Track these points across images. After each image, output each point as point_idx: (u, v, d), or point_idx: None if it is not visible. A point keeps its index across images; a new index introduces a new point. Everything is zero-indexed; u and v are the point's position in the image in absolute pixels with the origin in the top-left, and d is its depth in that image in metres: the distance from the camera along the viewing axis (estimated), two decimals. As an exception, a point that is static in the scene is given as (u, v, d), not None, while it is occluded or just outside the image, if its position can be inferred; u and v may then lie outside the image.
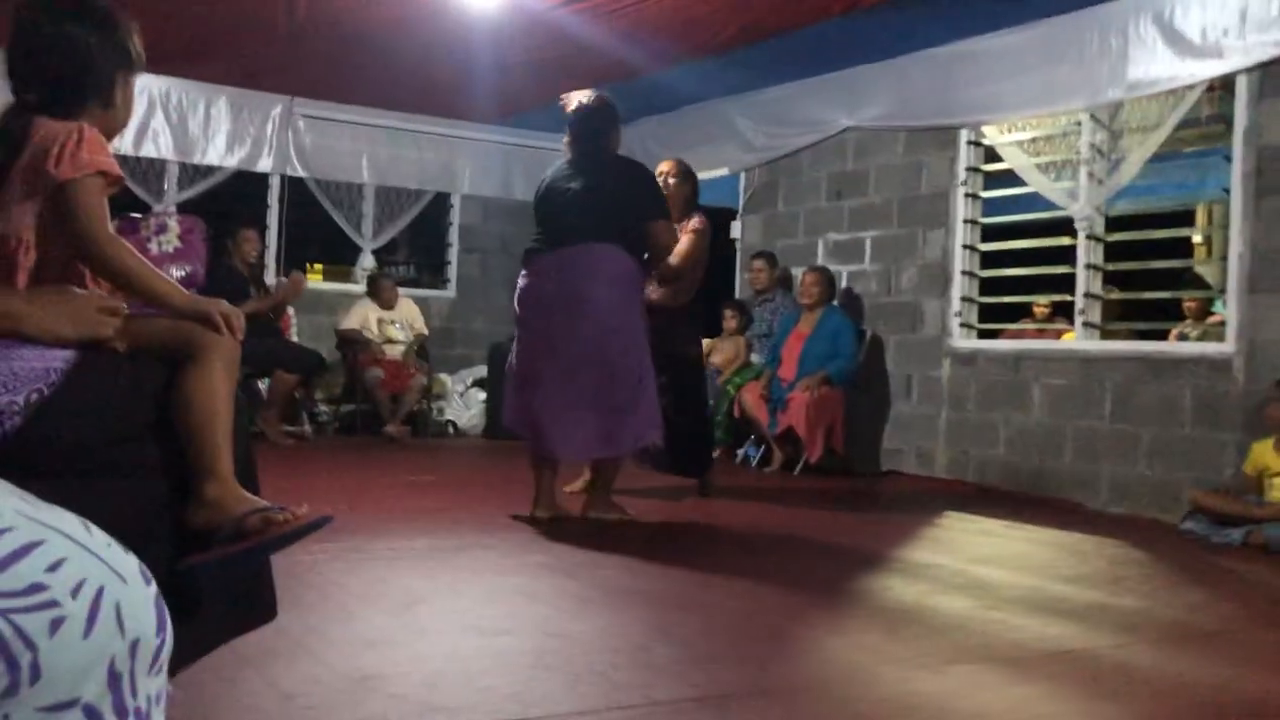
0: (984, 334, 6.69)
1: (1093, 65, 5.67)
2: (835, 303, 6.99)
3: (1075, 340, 6.06)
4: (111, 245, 1.80)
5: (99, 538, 0.90)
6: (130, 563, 0.90)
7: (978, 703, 2.29)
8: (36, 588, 0.82)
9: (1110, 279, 6.22)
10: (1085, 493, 5.73)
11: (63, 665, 0.81)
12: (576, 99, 4.54)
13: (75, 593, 0.83)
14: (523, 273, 4.55)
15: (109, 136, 1.91)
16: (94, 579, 0.85)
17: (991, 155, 6.57)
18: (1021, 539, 4.70)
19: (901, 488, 6.42)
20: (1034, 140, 6.22)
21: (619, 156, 4.60)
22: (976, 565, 3.94)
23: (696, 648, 2.64)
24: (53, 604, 0.81)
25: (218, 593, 1.84)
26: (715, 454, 7.27)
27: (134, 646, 0.86)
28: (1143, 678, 2.56)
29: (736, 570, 3.71)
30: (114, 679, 0.85)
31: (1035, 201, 6.44)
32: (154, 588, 0.91)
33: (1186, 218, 8.14)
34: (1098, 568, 4.02)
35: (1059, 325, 7.32)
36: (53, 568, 0.83)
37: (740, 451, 7.22)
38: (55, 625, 0.81)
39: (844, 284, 7.28)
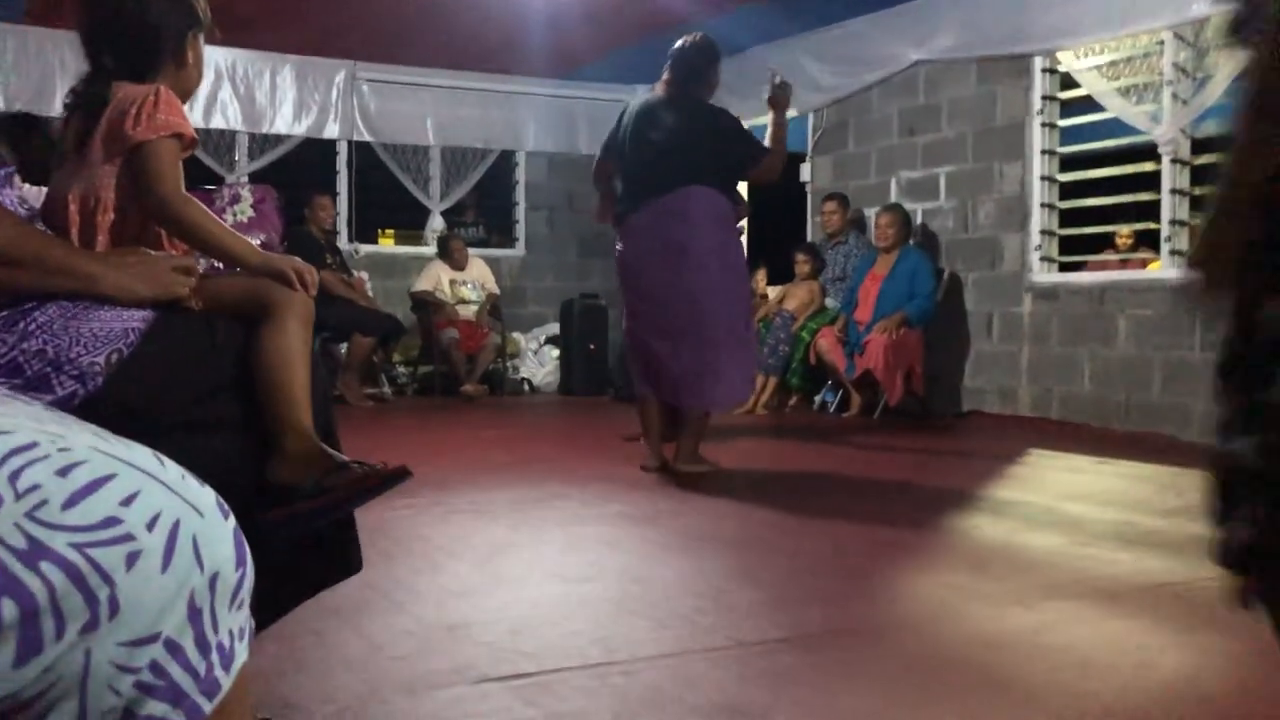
0: (1065, 267, 6.51)
1: (1174, -20, 5.44)
2: (912, 242, 6.85)
3: (1162, 269, 5.86)
4: (186, 205, 1.82)
5: (173, 470, 0.89)
6: (206, 496, 0.89)
7: (1072, 636, 2.24)
8: (111, 521, 0.81)
9: (1198, 204, 5.99)
10: (1177, 425, 5.57)
11: (141, 599, 0.81)
12: (680, 41, 4.44)
13: (151, 526, 0.82)
14: (619, 237, 4.49)
15: (184, 97, 1.94)
16: (170, 512, 0.84)
17: (1068, 82, 6.35)
18: (1111, 474, 4.59)
19: (984, 427, 6.31)
20: (1113, 63, 5.99)
21: (704, 103, 4.44)
22: (1065, 502, 3.85)
23: (780, 590, 2.62)
24: (128, 537, 0.81)
25: (304, 546, 1.85)
26: (792, 400, 7.27)
27: (213, 580, 0.85)
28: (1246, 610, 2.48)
29: (818, 513, 3.67)
30: (194, 613, 0.84)
31: (1116, 127, 6.22)
32: (232, 521, 0.90)
33: (1278, 137, 7.82)
34: (1194, 500, 3.89)
35: (1143, 254, 7.10)
36: (127, 501, 0.82)
37: (818, 398, 7.15)
38: (131, 559, 0.80)
39: (919, 222, 7.13)
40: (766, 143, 4.46)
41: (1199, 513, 3.55)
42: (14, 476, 0.78)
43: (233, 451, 1.76)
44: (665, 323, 4.32)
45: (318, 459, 1.76)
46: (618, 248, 4.52)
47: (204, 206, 1.85)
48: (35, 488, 0.79)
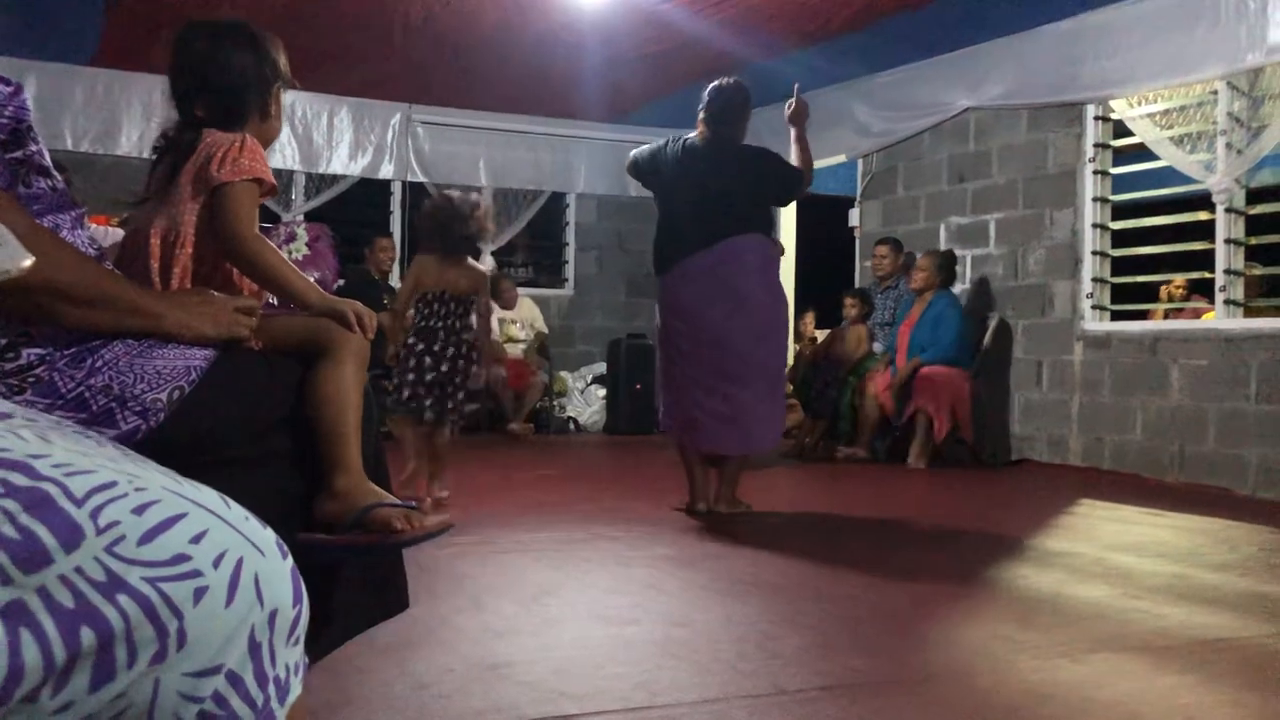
0: (1117, 315, 6.45)
1: (1229, 29, 5.41)
2: (953, 287, 6.82)
3: (1216, 319, 5.79)
4: (256, 244, 1.90)
5: (237, 511, 0.93)
6: (268, 536, 0.94)
7: (1120, 692, 2.21)
8: (181, 558, 0.86)
9: (1253, 254, 5.92)
10: (1231, 478, 5.47)
11: (207, 632, 0.85)
12: (714, 83, 4.54)
13: (217, 563, 0.87)
14: (664, 278, 4.53)
15: (266, 145, 2.06)
16: (234, 550, 0.89)
17: (1121, 130, 6.32)
18: (1163, 526, 4.52)
19: (1033, 475, 6.24)
20: (1166, 112, 5.96)
21: (747, 145, 4.56)
22: (1115, 553, 3.80)
23: (824, 637, 2.61)
24: (196, 574, 0.85)
25: (351, 583, 1.89)
26: (839, 446, 7.23)
27: (272, 617, 0.89)
28: (1300, 667, 2.43)
29: (864, 560, 3.65)
30: (254, 647, 0.88)
31: (1169, 176, 6.18)
32: (290, 561, 0.94)
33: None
34: (1248, 555, 3.84)
35: (1196, 304, 7.01)
36: (195, 539, 0.87)
37: (844, 448, 7.10)
38: (199, 594, 0.85)
39: (968, 268, 7.11)
40: (794, 160, 4.57)
41: (1252, 568, 3.50)
42: (95, 513, 0.83)
43: (285, 487, 1.82)
44: (715, 368, 4.37)
45: (364, 496, 1.80)
46: (664, 292, 4.56)
47: (273, 246, 1.93)
48: (114, 524, 0.84)
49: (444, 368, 4.54)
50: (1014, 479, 6.16)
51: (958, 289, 7.19)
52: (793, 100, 4.68)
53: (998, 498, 5.51)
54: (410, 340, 4.63)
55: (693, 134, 4.57)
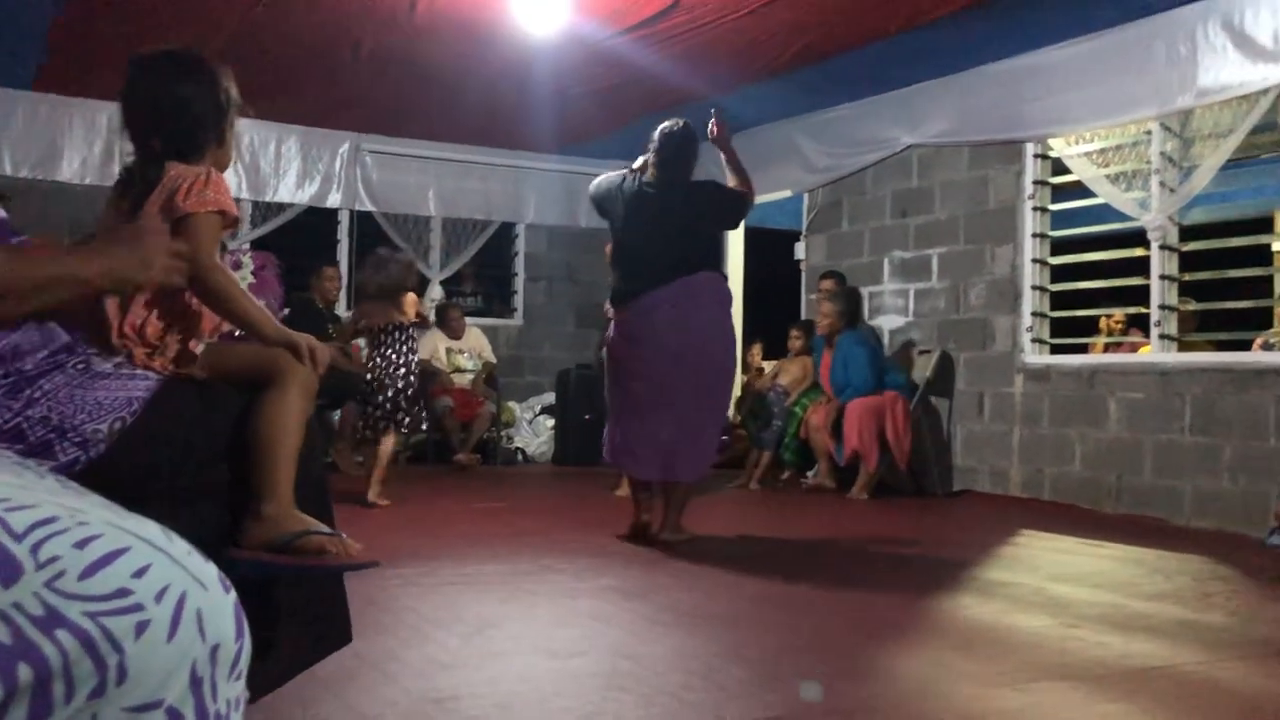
0: (1056, 349, 6.58)
1: (1161, 73, 5.57)
2: (858, 326, 6.90)
3: (1152, 353, 5.93)
4: (216, 272, 1.92)
5: (180, 546, 0.93)
6: (210, 570, 0.94)
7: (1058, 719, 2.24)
8: (123, 592, 0.85)
9: (1187, 290, 6.08)
10: (1167, 508, 5.59)
11: (147, 667, 0.85)
12: (663, 125, 4.66)
13: (159, 597, 0.87)
14: (619, 311, 4.64)
15: (221, 170, 2.08)
16: (176, 585, 0.88)
17: (1059, 168, 6.48)
18: (1101, 556, 4.60)
19: (975, 506, 6.32)
20: (1102, 151, 6.12)
21: (694, 182, 4.70)
22: (1054, 583, 3.86)
23: (769, 667, 2.62)
24: (138, 608, 0.85)
25: (293, 618, 1.88)
26: (785, 475, 7.28)
27: (214, 651, 0.89)
28: (1232, 694, 2.49)
29: (808, 590, 3.68)
30: (196, 682, 0.88)
31: (1106, 213, 6.34)
32: (233, 595, 0.94)
33: (1265, 225, 7.94)
34: (1182, 584, 3.92)
35: (1134, 338, 7.17)
36: (138, 573, 0.87)
37: (810, 473, 7.16)
38: (140, 628, 0.85)
39: (911, 301, 7.22)
40: (731, 183, 4.74)
41: (1186, 597, 3.57)
42: (35, 548, 0.83)
43: (224, 518, 1.82)
44: (668, 399, 4.48)
45: (293, 524, 1.81)
46: (619, 325, 4.64)
47: (234, 276, 1.94)
48: (55, 559, 0.83)
49: (397, 385, 5.67)
50: (956, 509, 6.23)
51: (901, 322, 7.30)
52: (713, 124, 4.78)
53: (940, 528, 5.58)
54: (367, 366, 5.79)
55: (645, 172, 4.69)
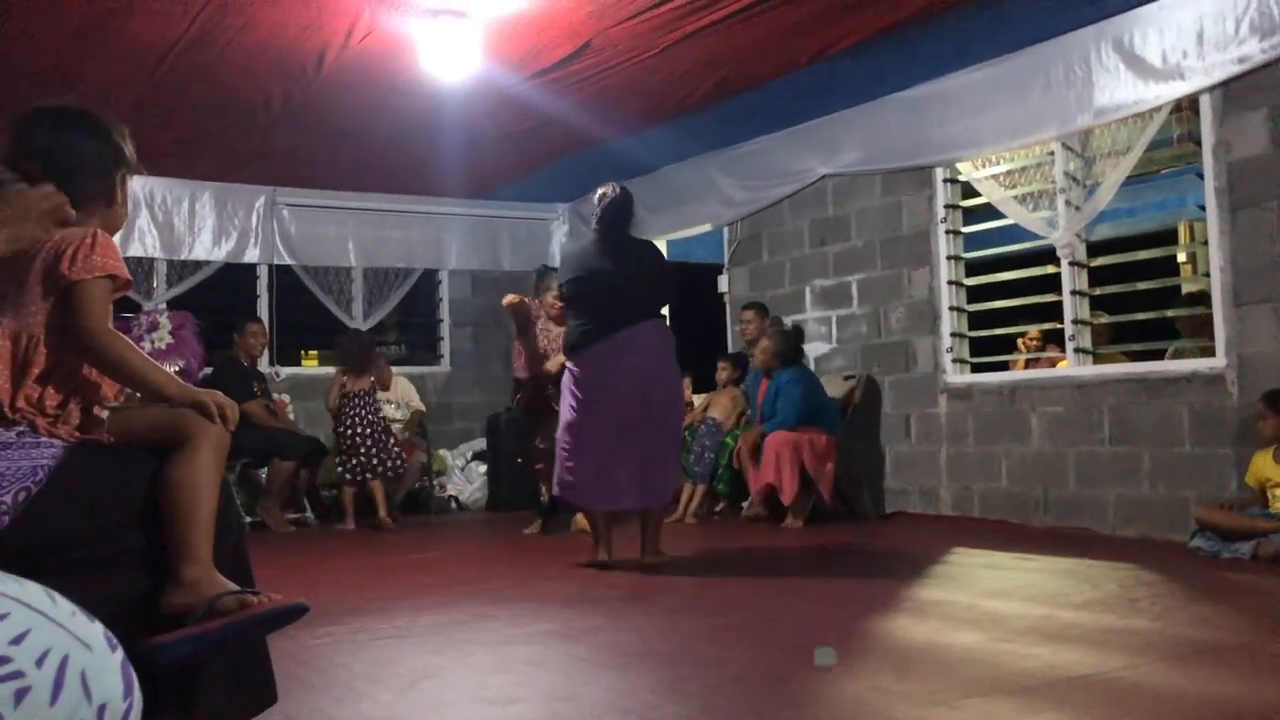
0: (977, 368, 6.71)
1: (1060, 94, 5.76)
2: (803, 362, 6.97)
3: (1068, 367, 6.07)
4: (111, 340, 1.87)
5: (64, 607, 0.91)
6: (95, 630, 0.92)
7: (993, 735, 2.27)
8: (1, 660, 0.83)
9: (1100, 303, 6.25)
10: (1092, 518, 5.71)
11: None
12: (602, 191, 5.16)
13: (40, 662, 0.85)
14: (576, 360, 5.00)
15: (112, 232, 2.01)
16: (59, 648, 0.86)
17: (969, 191, 6.63)
18: (1032, 569, 4.67)
19: (908, 527, 6.39)
20: (1009, 173, 6.29)
21: (638, 240, 5.25)
22: (987, 599, 3.91)
23: (708, 702, 2.62)
24: (17, 674, 0.83)
25: (216, 680, 1.83)
26: (719, 507, 7.30)
27: (101, 711, 0.87)
28: (1157, 697, 2.54)
29: (745, 621, 3.68)
30: None
31: (1016, 233, 6.50)
32: (120, 653, 0.92)
33: (1170, 237, 8.20)
34: (1109, 591, 4.00)
35: (1052, 354, 7.34)
36: (17, 639, 0.85)
37: (744, 504, 7.19)
38: (20, 695, 0.83)
39: (834, 328, 7.32)
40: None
41: (1112, 604, 3.63)
42: None
43: (136, 586, 1.77)
44: (629, 436, 4.88)
45: (212, 586, 1.77)
46: (577, 370, 4.99)
47: (129, 341, 1.89)
48: None
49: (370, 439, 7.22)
50: (889, 531, 6.30)
51: (825, 349, 7.39)
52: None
53: (874, 551, 5.62)
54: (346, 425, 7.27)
55: (578, 238, 5.18)
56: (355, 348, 7.49)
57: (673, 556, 5.04)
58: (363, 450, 7.22)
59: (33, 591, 0.90)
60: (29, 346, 1.84)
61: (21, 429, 1.74)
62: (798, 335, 7.01)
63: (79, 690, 0.86)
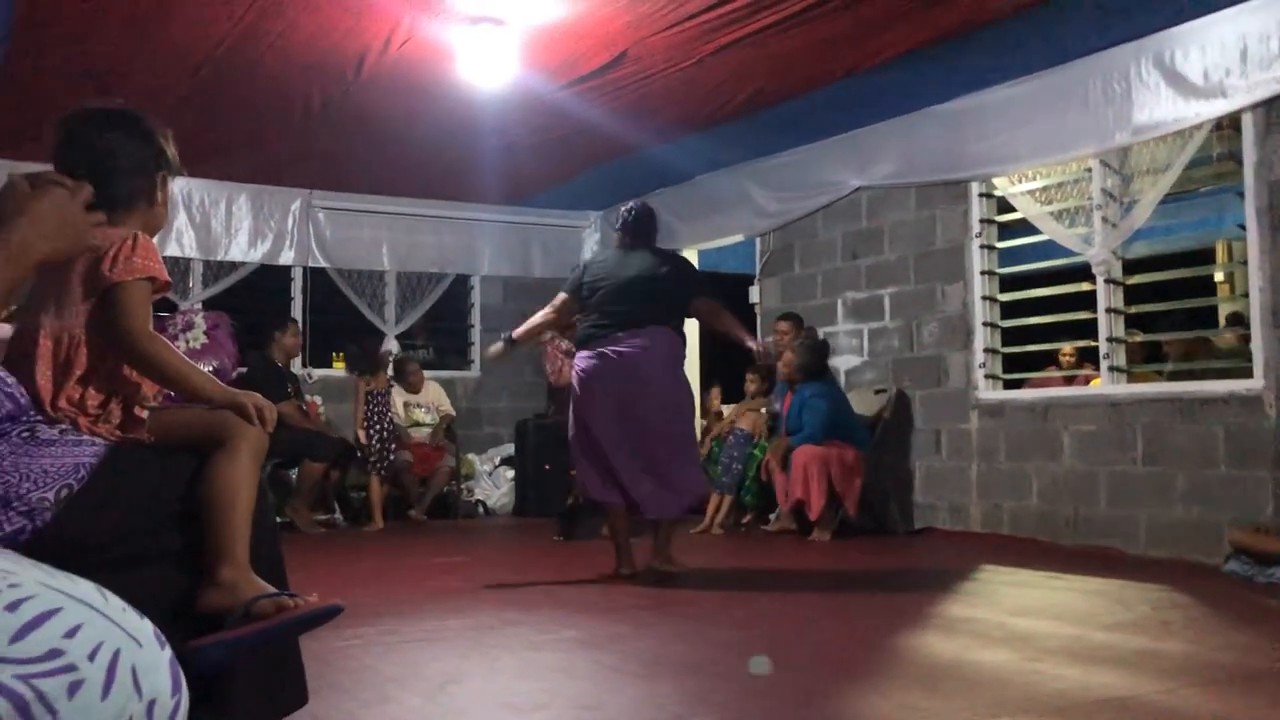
0: (1010, 384, 6.66)
1: (1098, 111, 5.72)
2: (827, 375, 6.93)
3: (1102, 385, 6.02)
4: (151, 342, 1.88)
5: (115, 603, 0.93)
6: (145, 627, 0.93)
7: (1023, 756, 2.25)
8: (55, 653, 0.85)
9: (1135, 322, 6.19)
10: (1123, 539, 5.65)
11: None
12: (626, 206, 5.25)
13: (92, 656, 0.86)
14: (583, 354, 4.98)
15: (153, 233, 2.02)
16: (110, 643, 0.88)
17: (1004, 206, 6.60)
18: (1061, 589, 4.63)
19: (936, 543, 6.35)
20: (1045, 189, 6.24)
21: (660, 249, 5.24)
22: (1016, 617, 3.88)
23: (734, 715, 2.61)
24: (71, 668, 0.85)
25: (248, 680, 1.85)
26: (746, 518, 7.29)
27: (150, 707, 0.89)
28: (1191, 723, 2.51)
29: (772, 634, 3.67)
30: None
31: (1051, 249, 6.46)
32: (169, 651, 0.94)
33: (1207, 256, 8.12)
34: (1141, 614, 3.95)
35: (1086, 371, 7.28)
36: (70, 633, 0.86)
37: (772, 516, 7.17)
38: (74, 688, 0.84)
39: (865, 341, 7.29)
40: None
41: (1145, 626, 3.59)
42: None
43: (175, 584, 1.78)
44: (634, 442, 4.84)
45: (249, 588, 1.78)
46: (582, 365, 4.96)
47: (169, 343, 1.90)
48: None
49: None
50: (917, 547, 6.26)
51: (856, 362, 7.36)
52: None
53: (902, 566, 5.59)
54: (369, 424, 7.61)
55: (605, 248, 5.27)
56: (361, 353, 7.81)
57: (685, 567, 5.01)
58: (378, 446, 7.57)
59: (85, 588, 0.92)
60: (71, 347, 1.86)
61: (64, 427, 1.76)
62: (823, 349, 6.97)
63: (130, 685, 0.87)
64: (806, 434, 6.59)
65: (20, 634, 0.85)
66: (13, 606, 0.86)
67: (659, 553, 4.96)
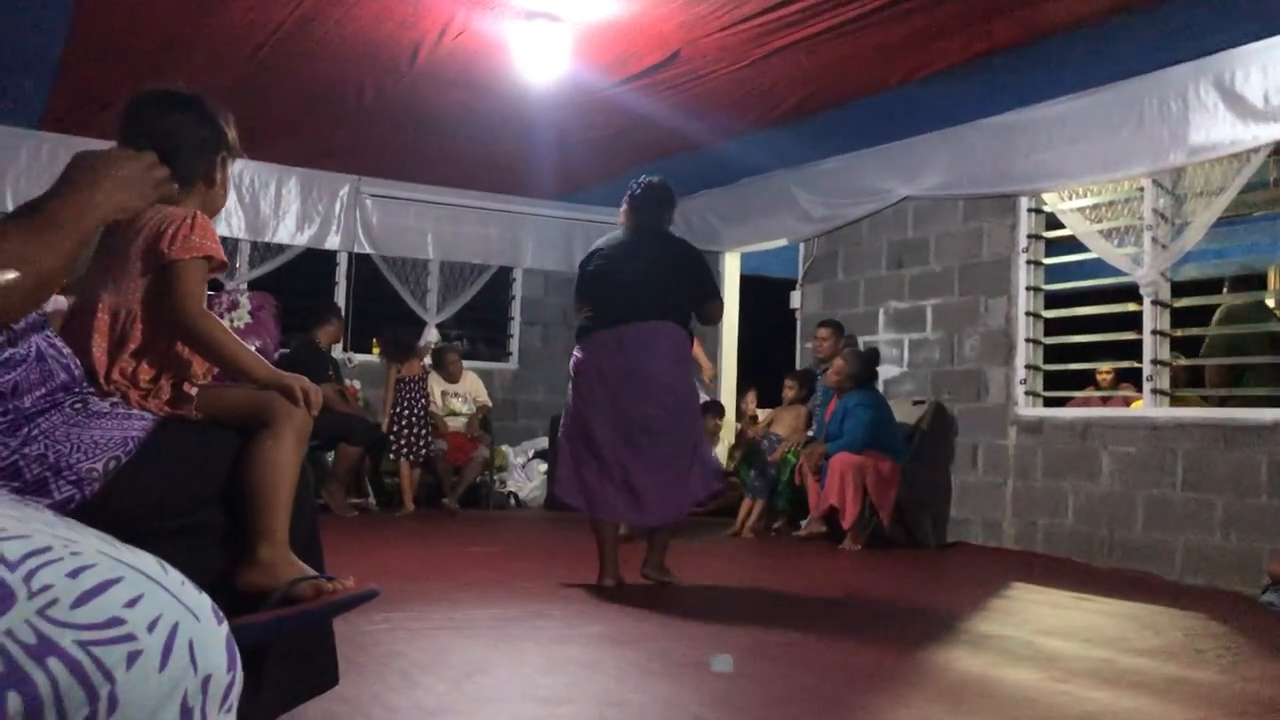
0: (1050, 402, 6.60)
1: (1153, 130, 5.65)
2: (874, 384, 6.89)
3: (1144, 408, 5.95)
4: (204, 319, 1.91)
5: (174, 576, 0.94)
6: (204, 601, 0.94)
7: (1047, 776, 2.23)
8: (115, 621, 0.86)
9: (1178, 345, 6.12)
10: (1159, 563, 5.59)
11: (139, 697, 0.85)
12: (642, 179, 4.81)
13: (151, 627, 0.88)
14: (579, 348, 4.73)
15: (211, 214, 2.07)
16: (169, 615, 0.89)
17: (1053, 222, 6.53)
18: (1092, 610, 4.59)
19: (968, 558, 6.31)
20: (1095, 206, 6.18)
21: (672, 236, 4.85)
22: (1045, 637, 3.85)
23: (754, 718, 2.61)
24: (130, 637, 0.86)
25: (281, 659, 1.88)
26: (778, 524, 7.27)
27: (206, 682, 0.90)
28: (1220, 753, 2.48)
29: (798, 639, 3.67)
30: (186, 712, 0.88)
31: (1099, 267, 6.39)
32: (225, 626, 0.95)
33: (1258, 282, 8.00)
34: (1173, 640, 3.91)
35: (1125, 392, 7.20)
36: (131, 603, 0.88)
37: (803, 522, 7.15)
38: (132, 658, 0.85)
39: (905, 351, 7.25)
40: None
41: (1176, 653, 3.55)
42: (29, 576, 0.84)
43: (214, 558, 1.82)
44: (631, 442, 4.55)
45: (288, 569, 1.81)
46: (578, 357, 4.72)
47: (221, 323, 1.95)
48: (48, 587, 0.84)
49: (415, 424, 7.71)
50: (948, 561, 6.22)
51: (896, 372, 7.32)
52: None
53: (932, 580, 5.56)
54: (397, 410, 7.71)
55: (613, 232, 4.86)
56: (394, 340, 7.93)
57: (678, 579, 4.71)
58: (407, 432, 7.65)
59: (145, 560, 0.94)
60: (127, 322, 1.90)
61: (115, 400, 1.80)
62: (873, 358, 6.92)
63: (186, 659, 0.89)
64: (846, 441, 6.56)
65: (81, 600, 0.86)
66: (74, 573, 0.87)
67: (651, 561, 4.67)
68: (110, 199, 1.47)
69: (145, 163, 1.58)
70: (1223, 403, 5.87)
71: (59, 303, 2.40)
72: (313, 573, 1.81)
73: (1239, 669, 3.45)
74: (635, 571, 4.69)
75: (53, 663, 0.82)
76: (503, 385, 9.34)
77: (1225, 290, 6.41)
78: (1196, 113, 5.46)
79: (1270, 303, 7.83)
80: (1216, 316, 6.19)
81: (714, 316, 4.90)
